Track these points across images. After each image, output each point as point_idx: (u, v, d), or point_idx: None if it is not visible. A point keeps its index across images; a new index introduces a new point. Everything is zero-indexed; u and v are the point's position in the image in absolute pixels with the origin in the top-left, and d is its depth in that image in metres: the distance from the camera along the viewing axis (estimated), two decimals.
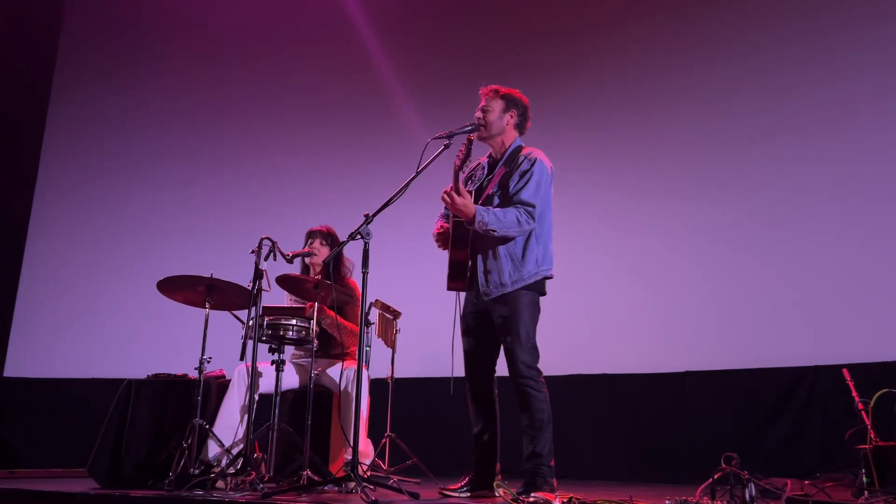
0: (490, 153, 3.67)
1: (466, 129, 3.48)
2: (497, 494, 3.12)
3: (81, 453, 4.54)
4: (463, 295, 3.61)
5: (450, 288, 3.56)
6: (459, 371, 3.53)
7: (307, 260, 4.41)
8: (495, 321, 3.42)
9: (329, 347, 4.22)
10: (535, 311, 3.43)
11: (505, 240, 3.39)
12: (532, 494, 3.00)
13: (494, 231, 3.30)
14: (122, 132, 7.65)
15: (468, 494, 3.37)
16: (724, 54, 5.86)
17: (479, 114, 3.56)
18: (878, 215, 5.14)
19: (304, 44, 7.40)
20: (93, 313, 7.14)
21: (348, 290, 4.18)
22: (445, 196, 3.30)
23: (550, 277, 3.50)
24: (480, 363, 3.56)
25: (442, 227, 3.59)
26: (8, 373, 7.18)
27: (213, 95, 7.51)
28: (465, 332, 3.59)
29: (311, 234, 4.45)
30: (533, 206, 3.36)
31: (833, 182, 5.33)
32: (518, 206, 3.36)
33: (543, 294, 3.50)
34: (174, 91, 7.62)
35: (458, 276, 3.50)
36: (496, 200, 3.46)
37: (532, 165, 3.45)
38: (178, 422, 3.89)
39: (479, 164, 3.70)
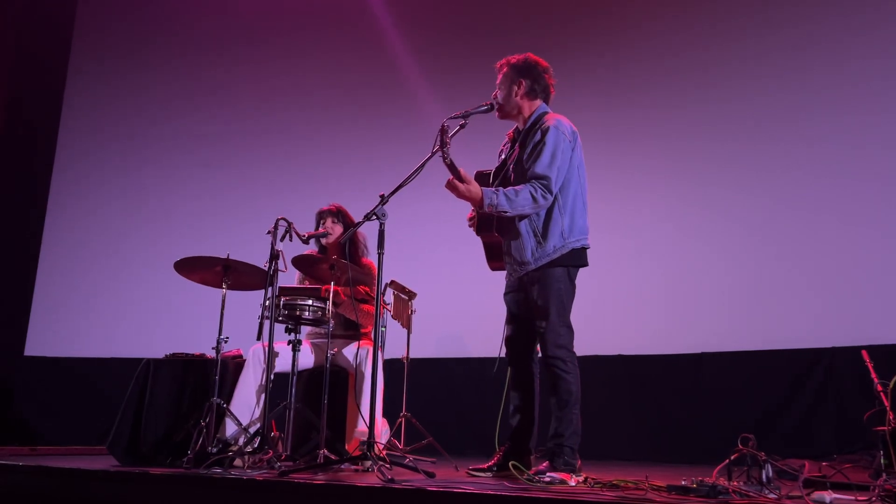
0: (517, 126, 3.59)
1: (482, 108, 3.43)
2: (518, 476, 3.10)
3: (101, 431, 4.60)
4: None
5: (492, 268, 3.59)
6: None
7: (323, 241, 4.44)
8: (531, 301, 3.35)
9: (347, 327, 4.24)
10: (568, 287, 3.32)
11: (523, 217, 3.33)
12: (548, 474, 3.00)
13: (505, 211, 3.23)
14: (138, 113, 7.67)
15: (494, 473, 3.35)
16: (741, 34, 5.79)
17: (493, 93, 3.52)
18: None
19: (319, 25, 7.36)
20: (111, 294, 7.21)
21: (364, 269, 4.18)
22: (447, 188, 3.23)
23: (585, 248, 3.36)
24: (519, 344, 3.51)
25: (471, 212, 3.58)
26: (28, 352, 7.27)
27: (229, 77, 7.51)
28: (507, 312, 3.56)
29: (322, 214, 4.48)
30: (547, 179, 3.24)
31: (853, 163, 5.27)
32: (532, 181, 3.26)
33: (582, 265, 3.35)
34: (191, 72, 7.62)
35: (496, 257, 3.50)
36: (512, 177, 3.42)
37: (544, 135, 3.31)
38: (196, 401, 3.92)
39: (508, 141, 3.66)
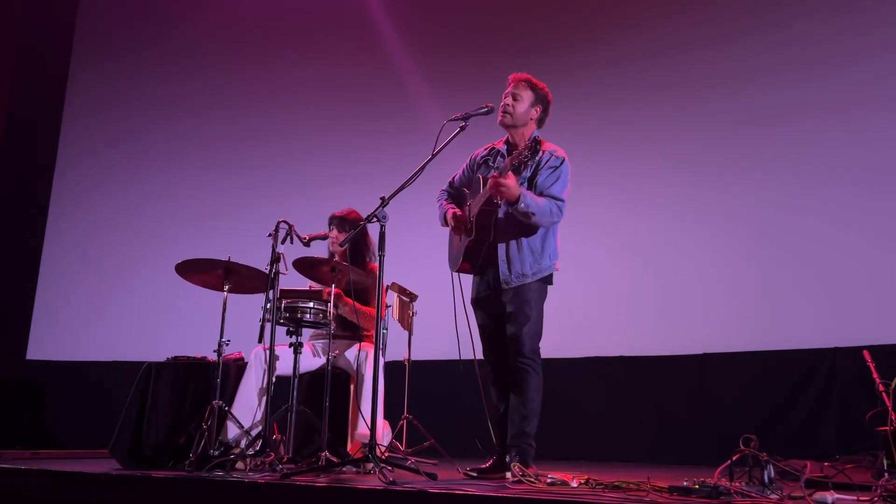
0: (507, 139, 3.68)
1: (482, 110, 3.46)
2: (517, 475, 3.11)
3: (103, 435, 4.60)
4: (465, 278, 3.63)
5: (458, 270, 3.62)
6: (467, 352, 3.56)
7: (331, 247, 4.40)
8: (507, 307, 3.46)
9: (347, 328, 4.23)
10: (544, 298, 3.52)
11: (528, 230, 3.43)
12: (550, 475, 3.01)
13: (532, 214, 3.34)
14: (139, 116, 7.69)
15: (494, 475, 3.37)
16: (741, 35, 5.79)
17: (508, 100, 3.57)
18: None
19: (319, 27, 7.38)
20: (112, 297, 7.22)
21: (371, 275, 4.16)
22: (499, 174, 3.31)
23: (556, 270, 3.57)
24: (499, 346, 3.56)
25: (457, 212, 3.59)
26: (31, 355, 7.28)
27: (229, 79, 7.52)
28: (481, 316, 3.62)
29: (333, 220, 4.39)
30: (563, 203, 3.43)
31: (853, 163, 5.27)
32: (550, 199, 3.41)
33: (551, 284, 3.57)
34: (192, 74, 7.65)
35: (471, 260, 3.54)
36: None
37: (561, 164, 3.49)
38: (198, 404, 3.92)
39: (495, 149, 3.70)
